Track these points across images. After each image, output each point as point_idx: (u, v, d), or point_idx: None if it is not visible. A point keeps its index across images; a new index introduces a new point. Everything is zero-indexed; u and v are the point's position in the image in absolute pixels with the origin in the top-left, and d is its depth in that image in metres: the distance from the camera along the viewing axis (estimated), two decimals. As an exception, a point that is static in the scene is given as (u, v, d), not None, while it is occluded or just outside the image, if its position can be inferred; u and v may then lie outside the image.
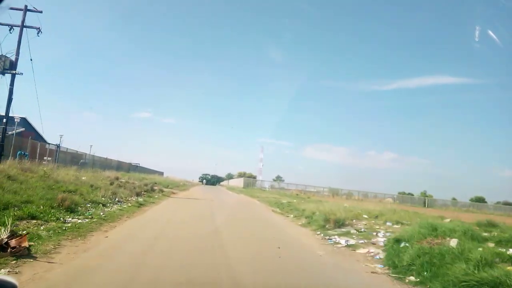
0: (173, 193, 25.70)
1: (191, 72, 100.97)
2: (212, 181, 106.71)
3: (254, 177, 79.05)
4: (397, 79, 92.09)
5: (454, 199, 70.37)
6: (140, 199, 16.68)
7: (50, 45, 71.30)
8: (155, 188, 26.17)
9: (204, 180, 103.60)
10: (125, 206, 12.92)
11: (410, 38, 75.01)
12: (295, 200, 26.88)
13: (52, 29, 73.59)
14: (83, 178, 19.34)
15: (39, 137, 40.50)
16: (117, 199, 14.33)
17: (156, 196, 20.26)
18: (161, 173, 72.59)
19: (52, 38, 73.48)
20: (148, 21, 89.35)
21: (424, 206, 63.78)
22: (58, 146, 31.55)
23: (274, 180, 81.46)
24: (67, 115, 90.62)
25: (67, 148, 32.57)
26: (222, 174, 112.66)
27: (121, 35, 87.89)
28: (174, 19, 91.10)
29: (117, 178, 24.75)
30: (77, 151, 34.13)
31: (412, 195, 72.69)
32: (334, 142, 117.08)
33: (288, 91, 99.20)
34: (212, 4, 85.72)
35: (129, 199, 16.04)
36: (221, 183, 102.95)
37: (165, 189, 27.39)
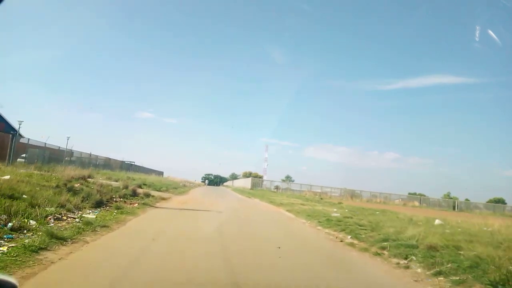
0: (164, 199, 17.53)
1: (193, 71, 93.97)
2: (215, 181, 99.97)
3: (260, 177, 71.16)
4: (399, 78, 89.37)
5: (467, 200, 63.63)
6: (87, 217, 8.52)
7: (50, 44, 64.34)
8: (139, 191, 18.09)
9: (207, 181, 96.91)
10: (2, 249, 4.86)
11: (411, 37, 71.50)
12: (335, 210, 18.63)
13: (52, 28, 66.59)
14: (5, 177, 11.39)
15: (11, 130, 32.45)
16: (10, 224, 6.20)
17: (127, 208, 12.10)
18: (161, 173, 64.49)
19: (52, 36, 66.30)
20: (149, 20, 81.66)
21: (454, 209, 55.77)
22: (14, 135, 23.45)
23: (283, 181, 73.44)
24: (67, 114, 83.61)
25: (28, 139, 24.48)
26: (224, 174, 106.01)
27: (123, 34, 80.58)
28: (177, 17, 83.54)
29: (81, 178, 16.74)
30: (45, 144, 25.99)
31: (424, 195, 65.16)
32: (336, 142, 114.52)
33: (289, 91, 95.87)
34: (214, 3, 78.40)
35: (65, 219, 7.91)
36: (225, 183, 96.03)
37: (154, 193, 19.21)
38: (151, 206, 13.45)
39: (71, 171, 17.48)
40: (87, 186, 14.50)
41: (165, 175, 63.15)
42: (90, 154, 33.90)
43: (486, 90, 73.29)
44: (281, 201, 22.82)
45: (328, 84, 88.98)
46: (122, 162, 46.22)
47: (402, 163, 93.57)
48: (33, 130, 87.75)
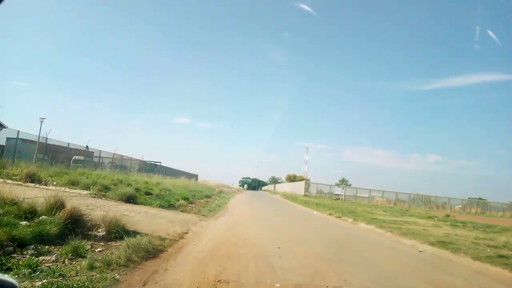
0: (156, 255, 5.44)
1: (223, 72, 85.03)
2: (253, 185, 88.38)
3: (307, 181, 58.15)
4: (440, 78, 77.65)
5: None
6: None
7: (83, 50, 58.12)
8: (100, 220, 6.10)
9: (245, 185, 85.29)
10: None
11: (451, 35, 60.78)
12: None
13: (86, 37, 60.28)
14: None
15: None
16: None
17: None
18: (194, 176, 53.23)
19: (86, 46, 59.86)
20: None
21: None
22: None
23: (337, 185, 59.68)
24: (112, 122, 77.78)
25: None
26: (262, 177, 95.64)
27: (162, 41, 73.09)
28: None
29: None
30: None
31: (485, 199, 48.41)
32: (374, 144, 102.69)
33: (324, 94, 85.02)
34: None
35: None
36: (264, 187, 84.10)
37: (145, 227, 7.24)
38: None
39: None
40: None
41: (200, 178, 52.00)
42: (87, 148, 22.87)
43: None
44: (418, 230, 9.97)
45: (366, 85, 79.28)
46: (143, 161, 35.27)
47: (445, 166, 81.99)
48: (76, 134, 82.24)
